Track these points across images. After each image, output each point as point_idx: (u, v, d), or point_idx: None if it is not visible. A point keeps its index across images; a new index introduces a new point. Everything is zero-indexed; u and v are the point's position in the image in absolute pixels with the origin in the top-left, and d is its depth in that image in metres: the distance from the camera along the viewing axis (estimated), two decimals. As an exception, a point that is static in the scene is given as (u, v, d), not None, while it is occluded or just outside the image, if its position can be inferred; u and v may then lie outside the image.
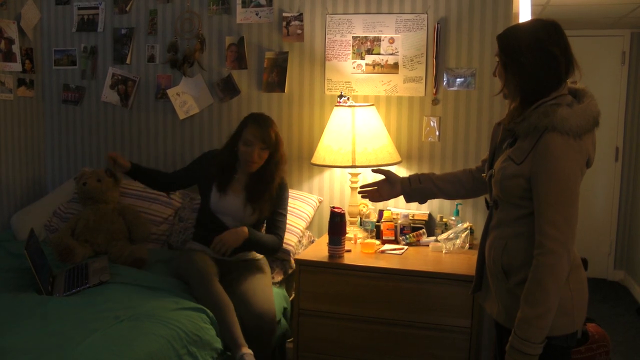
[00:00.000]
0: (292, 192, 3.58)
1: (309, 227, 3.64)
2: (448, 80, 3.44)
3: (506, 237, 2.05)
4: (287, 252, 3.35)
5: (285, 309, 3.22)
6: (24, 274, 2.87)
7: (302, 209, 3.53)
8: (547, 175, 1.90)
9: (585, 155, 1.94)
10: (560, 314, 1.94)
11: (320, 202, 3.65)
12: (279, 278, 3.32)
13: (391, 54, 3.49)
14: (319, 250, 3.21)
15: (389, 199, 2.68)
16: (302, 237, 3.49)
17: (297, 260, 3.12)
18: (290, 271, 3.38)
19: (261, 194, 3.12)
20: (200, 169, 3.23)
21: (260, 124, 3.06)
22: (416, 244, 3.33)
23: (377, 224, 3.41)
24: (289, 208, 3.38)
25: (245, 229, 3.05)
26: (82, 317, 2.45)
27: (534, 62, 1.96)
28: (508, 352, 1.94)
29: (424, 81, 3.46)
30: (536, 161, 1.93)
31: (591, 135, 1.97)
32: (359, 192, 2.78)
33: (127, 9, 3.92)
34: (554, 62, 1.95)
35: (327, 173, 3.66)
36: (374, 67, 3.52)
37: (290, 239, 3.37)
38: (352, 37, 3.54)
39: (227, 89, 3.77)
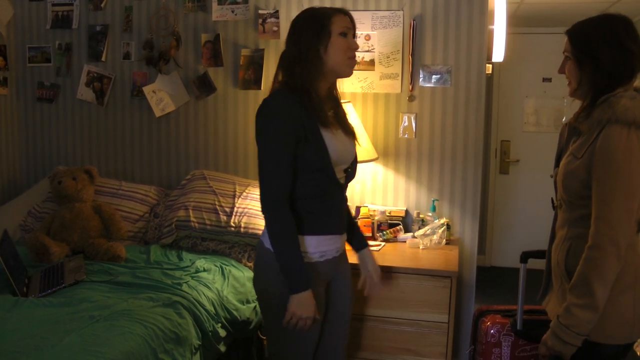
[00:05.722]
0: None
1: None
2: (424, 77, 3.45)
3: (570, 238, 1.98)
4: None
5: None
6: (-1, 275, 2.83)
7: None
8: (605, 169, 1.82)
9: None
10: (618, 323, 1.90)
11: None
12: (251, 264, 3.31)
13: (367, 51, 3.50)
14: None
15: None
16: None
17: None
18: None
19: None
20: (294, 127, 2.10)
21: (344, 10, 2.20)
22: (393, 240, 3.35)
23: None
24: None
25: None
26: (58, 318, 2.43)
27: (612, 57, 1.90)
28: (547, 334, 1.92)
29: (400, 78, 3.47)
30: (595, 154, 1.85)
31: None
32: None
33: (102, 5, 3.89)
34: (630, 59, 1.90)
35: (305, 170, 3.66)
36: (350, 64, 3.52)
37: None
38: (329, 34, 3.54)
39: (203, 86, 3.76)
